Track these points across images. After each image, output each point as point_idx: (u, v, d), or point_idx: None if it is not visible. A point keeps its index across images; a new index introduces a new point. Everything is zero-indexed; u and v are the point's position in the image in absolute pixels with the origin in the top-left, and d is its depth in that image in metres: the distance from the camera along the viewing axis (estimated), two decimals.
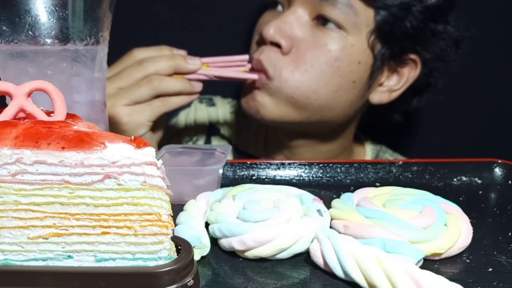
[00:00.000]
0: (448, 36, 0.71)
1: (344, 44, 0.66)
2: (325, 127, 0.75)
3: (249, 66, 0.68)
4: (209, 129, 0.89)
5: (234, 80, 0.68)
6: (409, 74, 0.73)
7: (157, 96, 0.63)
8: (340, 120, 0.75)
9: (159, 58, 0.63)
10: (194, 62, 0.64)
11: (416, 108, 0.94)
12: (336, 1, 0.65)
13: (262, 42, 0.70)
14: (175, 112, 0.91)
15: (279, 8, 0.72)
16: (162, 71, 0.62)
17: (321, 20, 0.67)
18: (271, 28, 0.67)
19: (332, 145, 0.79)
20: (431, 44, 0.71)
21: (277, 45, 0.67)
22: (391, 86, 0.74)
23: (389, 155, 0.86)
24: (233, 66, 0.67)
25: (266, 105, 0.70)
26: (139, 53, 0.64)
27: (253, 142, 0.86)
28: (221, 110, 0.90)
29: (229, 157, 0.85)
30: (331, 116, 0.72)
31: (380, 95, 0.74)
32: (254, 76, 0.68)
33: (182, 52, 0.66)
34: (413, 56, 0.71)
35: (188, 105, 0.90)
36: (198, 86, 0.66)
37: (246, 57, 0.68)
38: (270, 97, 0.70)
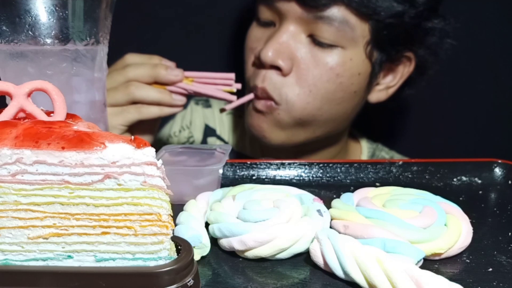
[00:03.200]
0: (439, 30, 0.72)
1: (343, 60, 0.67)
2: (326, 135, 0.76)
3: (236, 86, 0.66)
4: (205, 131, 0.89)
5: (212, 98, 0.66)
6: (403, 70, 0.74)
7: (134, 102, 0.62)
8: (343, 127, 0.76)
9: (141, 65, 0.62)
10: (174, 73, 0.62)
11: (416, 108, 0.94)
12: (331, 19, 0.64)
13: (260, 64, 0.69)
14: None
15: (262, 20, 0.71)
16: (142, 78, 0.62)
17: (318, 36, 0.66)
18: (269, 51, 0.66)
19: (329, 150, 0.80)
20: (424, 41, 0.72)
21: (277, 67, 0.67)
22: (387, 83, 0.75)
23: (385, 153, 0.87)
24: (218, 84, 0.65)
25: (273, 131, 0.71)
26: (129, 58, 0.64)
27: (249, 144, 0.87)
28: (217, 111, 0.90)
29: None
30: (334, 126, 0.73)
31: (377, 94, 0.75)
32: (233, 97, 0.65)
33: (170, 63, 0.64)
34: (407, 54, 0.72)
35: (183, 107, 0.90)
36: (180, 100, 0.64)
37: (232, 75, 0.65)
38: (276, 122, 0.70)
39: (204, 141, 0.88)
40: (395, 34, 0.67)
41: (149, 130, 0.69)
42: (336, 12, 0.64)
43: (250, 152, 0.86)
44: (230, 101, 0.67)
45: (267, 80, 0.68)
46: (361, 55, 0.67)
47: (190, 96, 0.91)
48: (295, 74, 0.67)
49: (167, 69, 0.62)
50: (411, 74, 0.74)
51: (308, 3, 0.64)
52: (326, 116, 0.70)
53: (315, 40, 0.66)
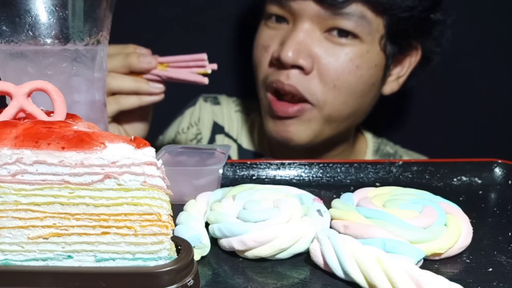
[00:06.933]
0: (443, 20, 0.74)
1: (361, 52, 0.68)
2: (345, 130, 0.76)
3: (211, 66, 0.63)
4: (214, 128, 0.89)
5: (186, 82, 0.64)
6: (410, 59, 0.76)
7: (113, 94, 0.61)
8: (361, 120, 0.77)
9: (115, 56, 0.61)
10: (147, 61, 0.61)
11: (416, 108, 0.94)
12: (350, 14, 0.66)
13: (279, 64, 0.70)
14: (180, 110, 0.91)
15: (273, 19, 0.72)
16: (116, 68, 0.61)
17: (335, 32, 0.67)
18: (289, 52, 0.67)
19: (339, 146, 0.81)
20: (431, 32, 0.74)
21: (298, 66, 0.68)
22: (397, 73, 0.76)
23: (389, 148, 0.88)
24: (192, 66, 0.63)
25: (301, 132, 0.72)
26: None
27: (257, 141, 0.87)
28: (226, 108, 0.90)
29: (234, 155, 0.86)
30: (354, 120, 0.75)
31: (390, 85, 0.77)
32: (205, 80, 0.62)
33: (145, 51, 0.63)
34: (415, 44, 0.74)
35: (193, 103, 0.90)
36: (158, 88, 0.62)
37: (203, 55, 0.62)
38: (305, 121, 0.71)
39: (212, 138, 0.88)
40: (407, 27, 0.69)
41: (139, 120, 0.67)
42: (353, 8, 0.66)
43: (258, 150, 0.86)
44: (201, 84, 0.63)
45: (292, 77, 0.69)
46: (376, 48, 0.69)
47: (199, 93, 0.91)
48: (317, 71, 0.68)
49: (139, 57, 0.61)
50: (417, 63, 0.77)
51: (326, 1, 0.65)
52: (349, 110, 0.71)
53: (331, 34, 0.68)
